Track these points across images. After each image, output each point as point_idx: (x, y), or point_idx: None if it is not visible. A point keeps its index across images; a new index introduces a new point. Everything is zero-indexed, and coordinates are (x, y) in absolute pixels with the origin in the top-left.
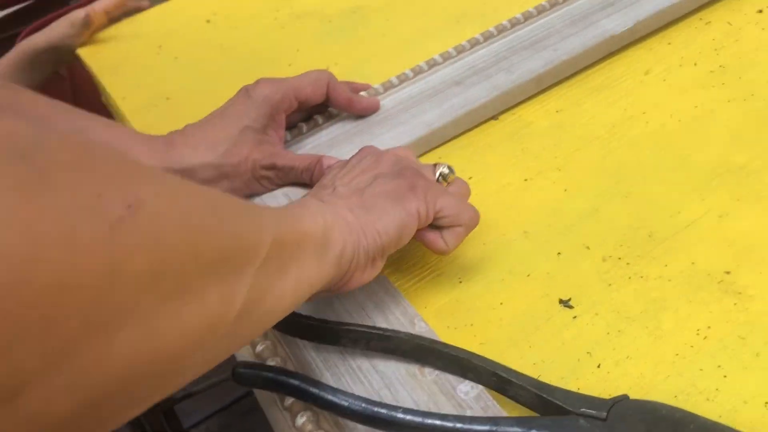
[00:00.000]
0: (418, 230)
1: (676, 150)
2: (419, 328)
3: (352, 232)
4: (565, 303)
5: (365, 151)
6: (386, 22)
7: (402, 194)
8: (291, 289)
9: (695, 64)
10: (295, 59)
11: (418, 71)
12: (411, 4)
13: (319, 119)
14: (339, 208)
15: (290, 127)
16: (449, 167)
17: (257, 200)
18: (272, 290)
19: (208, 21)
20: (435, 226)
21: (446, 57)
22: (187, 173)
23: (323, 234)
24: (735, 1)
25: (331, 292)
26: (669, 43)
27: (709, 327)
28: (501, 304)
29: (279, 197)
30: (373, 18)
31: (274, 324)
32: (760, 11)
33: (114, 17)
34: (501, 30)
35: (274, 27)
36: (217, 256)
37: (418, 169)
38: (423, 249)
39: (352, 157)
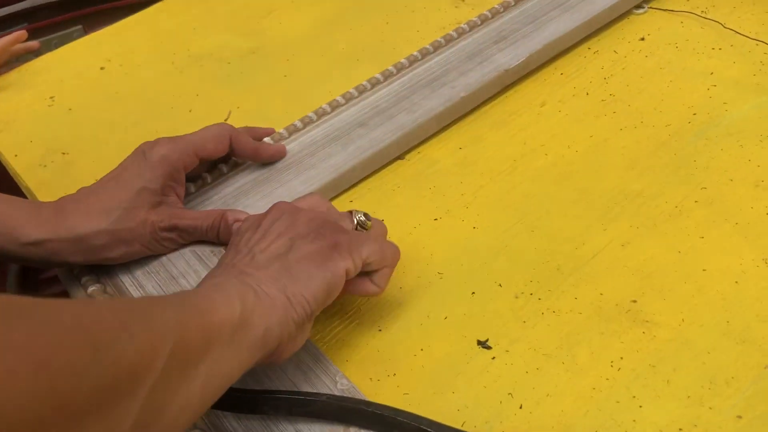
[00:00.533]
0: (346, 282)
1: (576, 181)
2: (341, 386)
3: (277, 309)
4: (483, 344)
5: (278, 210)
6: (286, 63)
7: (326, 256)
8: (199, 389)
9: (587, 94)
10: (195, 104)
11: (321, 113)
12: (309, 45)
13: (224, 168)
14: (262, 282)
15: (194, 178)
16: (365, 215)
17: (164, 259)
18: (174, 399)
19: (102, 68)
20: (362, 272)
21: (348, 98)
22: (80, 241)
23: (240, 320)
24: (619, 29)
25: (262, 365)
26: (561, 74)
27: (621, 358)
28: (421, 350)
29: (187, 255)
30: (273, 59)
31: (187, 426)
32: (642, 39)
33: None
34: (400, 68)
35: (171, 71)
36: (89, 393)
37: (335, 222)
38: (340, 299)
39: (265, 216)
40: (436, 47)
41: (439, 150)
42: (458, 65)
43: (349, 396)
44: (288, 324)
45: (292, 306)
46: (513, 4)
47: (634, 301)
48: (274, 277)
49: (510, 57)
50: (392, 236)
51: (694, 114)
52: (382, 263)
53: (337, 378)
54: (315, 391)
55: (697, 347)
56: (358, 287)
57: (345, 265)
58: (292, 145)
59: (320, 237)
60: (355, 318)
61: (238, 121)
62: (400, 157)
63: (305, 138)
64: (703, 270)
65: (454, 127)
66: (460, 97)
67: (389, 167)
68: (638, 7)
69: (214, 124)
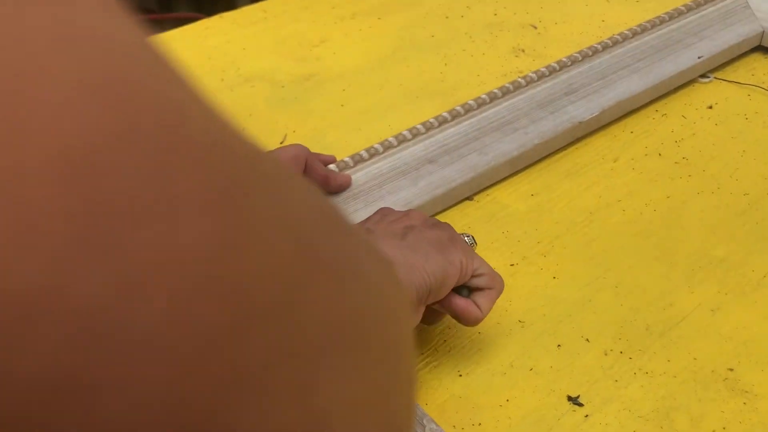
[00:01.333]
0: (448, 297)
1: (657, 240)
2: (429, 431)
3: (403, 269)
4: (575, 400)
5: (386, 209)
6: (342, 93)
7: (444, 244)
8: None
9: (660, 155)
10: (248, 124)
11: (387, 146)
12: (366, 77)
13: None
14: (383, 245)
15: None
16: (472, 238)
17: None
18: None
19: None
20: (467, 288)
21: (415, 133)
22: None
23: None
24: (686, 95)
25: None
26: (631, 132)
27: (724, 428)
28: (507, 401)
29: None
30: (328, 87)
31: None
32: (710, 107)
33: None
34: (468, 109)
35: (221, 88)
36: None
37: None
38: (432, 320)
39: (372, 215)
40: (504, 92)
41: (509, 195)
42: (529, 112)
43: None
44: (410, 290)
45: (415, 271)
46: (580, 59)
47: (731, 370)
48: (394, 244)
49: (582, 110)
50: None
51: None
52: (491, 282)
53: (424, 422)
54: None
55: None
56: (460, 305)
57: (460, 257)
58: (357, 175)
59: (437, 227)
60: (433, 359)
61: None
62: (470, 198)
63: (371, 169)
64: None
65: (525, 173)
66: (533, 144)
67: (458, 207)
68: (703, 76)
69: (292, 145)
